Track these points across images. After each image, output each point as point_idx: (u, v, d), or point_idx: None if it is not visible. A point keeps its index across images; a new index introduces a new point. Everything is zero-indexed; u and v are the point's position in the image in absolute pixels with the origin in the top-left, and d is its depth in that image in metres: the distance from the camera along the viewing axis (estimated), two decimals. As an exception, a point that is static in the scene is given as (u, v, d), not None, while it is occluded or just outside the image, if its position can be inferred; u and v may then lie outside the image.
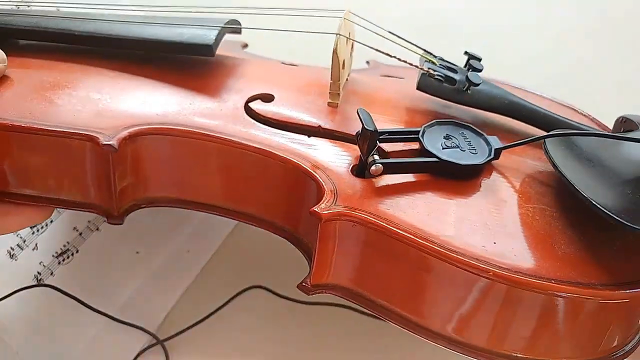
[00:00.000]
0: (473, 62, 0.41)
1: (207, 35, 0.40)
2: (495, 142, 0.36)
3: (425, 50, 0.42)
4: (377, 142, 0.33)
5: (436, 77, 0.40)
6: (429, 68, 0.40)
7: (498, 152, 0.35)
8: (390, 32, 0.41)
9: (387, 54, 0.40)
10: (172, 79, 0.40)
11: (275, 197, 0.36)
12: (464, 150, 0.35)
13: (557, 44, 0.70)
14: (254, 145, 0.35)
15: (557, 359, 0.31)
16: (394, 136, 0.35)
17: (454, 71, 0.41)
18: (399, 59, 0.40)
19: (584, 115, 0.44)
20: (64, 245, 0.47)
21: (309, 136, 0.37)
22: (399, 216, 0.31)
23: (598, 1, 0.74)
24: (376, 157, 0.33)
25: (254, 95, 0.40)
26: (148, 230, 0.49)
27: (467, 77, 0.40)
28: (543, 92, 0.47)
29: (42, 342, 0.43)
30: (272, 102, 0.40)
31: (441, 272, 0.30)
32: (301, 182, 0.34)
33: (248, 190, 0.37)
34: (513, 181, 0.35)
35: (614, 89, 0.65)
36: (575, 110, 0.45)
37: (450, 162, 0.34)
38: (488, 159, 0.35)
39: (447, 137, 0.35)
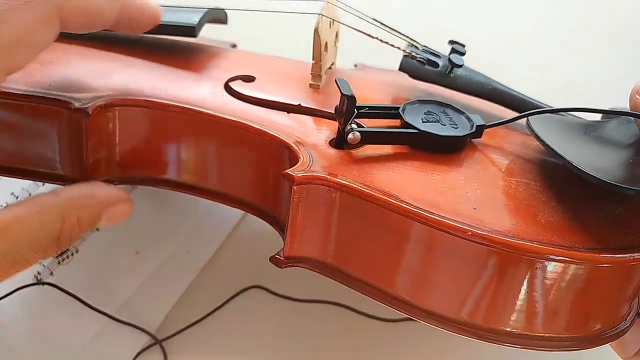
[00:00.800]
0: (456, 46, 0.41)
1: (191, 17, 0.43)
2: (478, 120, 0.35)
3: (410, 38, 0.42)
4: (355, 109, 0.33)
5: (418, 59, 0.40)
6: (410, 51, 0.40)
7: (480, 129, 0.35)
8: (375, 20, 0.41)
9: (369, 35, 0.40)
10: (156, 59, 0.41)
11: (252, 173, 0.36)
12: (445, 125, 0.34)
13: (558, 48, 0.70)
14: (230, 117, 0.35)
15: (541, 333, 0.30)
16: (374, 111, 0.35)
17: (437, 56, 0.41)
18: (380, 40, 0.40)
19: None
20: (64, 245, 0.47)
21: (288, 112, 0.37)
22: (375, 182, 0.30)
23: (600, 5, 0.74)
24: (354, 126, 0.33)
25: (235, 76, 0.40)
26: (148, 230, 0.49)
27: (449, 59, 0.40)
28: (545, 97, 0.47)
29: (42, 342, 0.43)
30: (253, 83, 0.40)
31: (419, 236, 0.29)
32: (278, 155, 0.33)
33: (224, 168, 0.36)
34: (496, 158, 0.35)
35: (615, 93, 0.65)
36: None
37: (429, 132, 0.33)
38: (469, 132, 0.34)
39: (428, 113, 0.35)
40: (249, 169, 0.36)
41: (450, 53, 0.41)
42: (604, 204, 0.31)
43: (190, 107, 0.35)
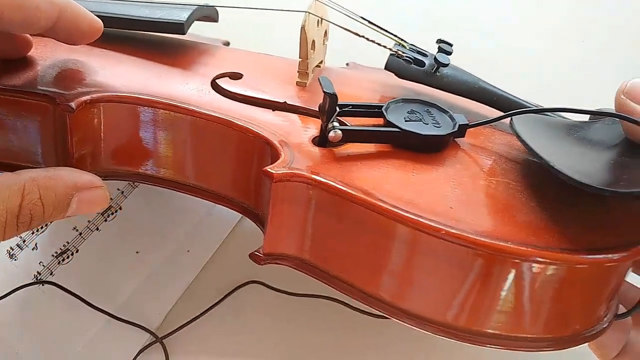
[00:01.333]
0: (443, 45, 0.41)
1: (180, 15, 0.43)
2: (461, 119, 0.35)
3: (398, 37, 0.42)
4: (337, 107, 0.33)
5: (405, 58, 0.40)
6: (397, 49, 0.40)
7: (463, 128, 0.35)
8: (363, 18, 0.41)
9: (356, 33, 0.40)
10: (143, 56, 0.41)
11: (235, 170, 0.36)
12: (427, 124, 0.34)
13: (551, 44, 0.70)
14: (214, 114, 0.35)
15: (518, 333, 0.30)
16: (357, 109, 0.35)
17: (424, 55, 0.41)
18: (367, 39, 0.40)
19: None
20: (64, 245, 0.47)
21: (273, 110, 0.37)
22: (354, 180, 0.30)
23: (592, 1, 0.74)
24: (336, 124, 0.33)
25: (222, 73, 0.40)
26: (148, 230, 0.49)
27: (435, 58, 0.40)
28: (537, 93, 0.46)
29: (42, 341, 0.43)
30: (240, 80, 0.40)
31: (394, 235, 0.29)
32: (260, 152, 0.34)
33: (208, 164, 0.37)
34: (478, 158, 0.35)
35: (608, 90, 0.66)
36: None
37: (411, 132, 0.33)
38: (451, 132, 0.34)
39: (411, 112, 0.35)
40: (232, 165, 0.36)
41: (437, 52, 0.41)
42: (584, 205, 0.31)
43: (175, 103, 0.35)
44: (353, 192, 0.29)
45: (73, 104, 0.33)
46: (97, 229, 0.49)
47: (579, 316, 0.30)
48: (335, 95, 0.32)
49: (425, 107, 0.36)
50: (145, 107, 0.35)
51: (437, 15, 0.71)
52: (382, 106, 0.35)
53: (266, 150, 0.33)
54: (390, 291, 0.31)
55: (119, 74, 0.39)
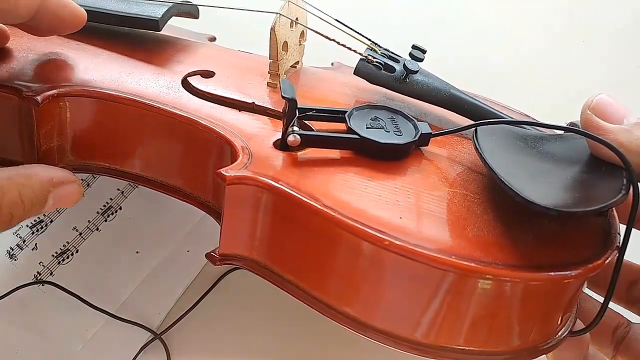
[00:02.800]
0: (415, 52, 0.40)
1: (156, 11, 0.43)
2: (425, 127, 0.35)
3: (372, 41, 0.42)
4: (297, 112, 0.33)
5: (375, 63, 0.39)
6: (368, 54, 0.40)
7: (425, 137, 0.34)
8: (337, 20, 0.41)
9: (326, 37, 0.39)
10: (119, 51, 0.41)
11: (198, 168, 0.36)
12: (389, 132, 0.34)
13: (551, 44, 0.70)
14: (178, 112, 0.35)
15: (467, 347, 0.29)
16: (320, 114, 0.35)
17: (396, 61, 0.40)
18: (337, 42, 0.39)
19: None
20: (64, 245, 0.47)
21: (240, 110, 0.37)
22: (307, 186, 0.30)
23: (590, 5, 0.74)
24: (296, 128, 0.33)
25: (194, 71, 0.40)
26: (148, 230, 0.49)
27: (404, 64, 0.39)
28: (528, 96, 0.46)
29: (42, 341, 0.43)
30: (211, 79, 0.40)
31: (340, 242, 0.29)
32: (222, 152, 0.34)
33: (172, 161, 0.37)
34: (440, 167, 0.34)
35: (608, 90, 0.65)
36: (527, 116, 0.44)
37: (370, 139, 0.33)
38: (410, 141, 0.34)
39: (374, 119, 0.35)
40: (195, 163, 0.36)
41: (408, 59, 0.40)
42: (540, 221, 0.30)
43: (140, 100, 0.36)
44: (301, 197, 0.29)
45: (39, 98, 0.34)
46: (97, 229, 0.49)
47: (534, 329, 0.30)
48: (294, 100, 0.32)
49: (390, 115, 0.36)
50: (111, 103, 0.36)
51: (436, 15, 0.71)
52: (346, 112, 0.35)
53: (227, 150, 0.33)
54: (337, 297, 0.30)
55: (91, 68, 0.39)
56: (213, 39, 0.51)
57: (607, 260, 0.29)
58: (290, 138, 0.32)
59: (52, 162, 0.37)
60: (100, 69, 0.39)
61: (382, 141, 0.33)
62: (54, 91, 0.35)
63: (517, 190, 0.28)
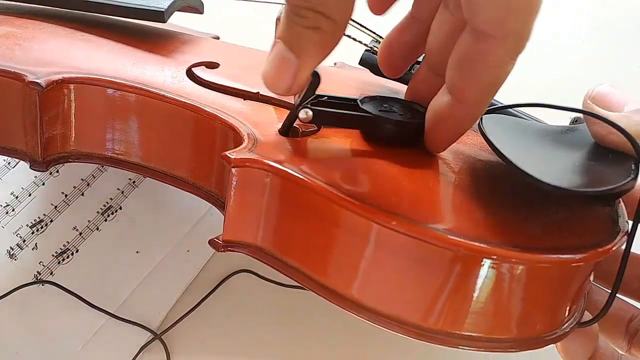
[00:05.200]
0: None
1: (161, 2, 0.43)
2: None
3: (377, 34, 0.42)
4: (315, 91, 0.32)
5: None
6: (373, 46, 0.40)
7: None
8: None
9: None
10: (124, 42, 0.42)
11: (202, 156, 0.36)
12: (401, 115, 0.34)
13: (551, 44, 0.70)
14: (182, 99, 0.35)
15: (475, 333, 0.29)
16: (333, 100, 0.34)
17: None
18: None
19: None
20: (64, 245, 0.47)
21: (244, 99, 0.37)
22: (313, 169, 0.29)
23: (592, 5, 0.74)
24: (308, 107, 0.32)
25: (198, 62, 0.40)
26: (148, 230, 0.49)
27: None
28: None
29: (42, 341, 0.43)
30: (216, 70, 0.40)
31: (349, 226, 0.28)
32: (226, 139, 0.33)
33: (176, 150, 0.37)
34: (446, 156, 0.34)
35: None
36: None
37: (383, 117, 0.33)
38: (421, 121, 0.33)
39: (386, 106, 0.34)
40: (199, 151, 0.36)
41: None
42: (548, 206, 0.30)
43: (145, 87, 0.35)
44: (306, 179, 0.28)
45: (42, 82, 0.34)
46: (97, 228, 0.49)
47: (541, 317, 0.30)
48: (319, 76, 0.31)
49: (400, 103, 0.35)
50: (115, 90, 0.36)
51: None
52: (357, 99, 0.34)
53: (231, 137, 0.33)
54: (343, 282, 0.30)
55: (96, 57, 0.39)
56: (217, 39, 0.51)
57: (616, 246, 0.29)
58: (302, 114, 0.31)
59: (55, 150, 0.37)
60: (105, 58, 0.39)
61: (395, 118, 0.33)
62: (59, 76, 0.35)
63: (527, 170, 0.27)
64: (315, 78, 0.31)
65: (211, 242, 0.32)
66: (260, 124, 0.34)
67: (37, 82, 0.34)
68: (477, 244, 0.26)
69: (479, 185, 0.31)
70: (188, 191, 0.37)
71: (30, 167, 0.37)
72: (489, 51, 0.27)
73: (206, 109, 0.34)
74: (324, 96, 0.34)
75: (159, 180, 0.38)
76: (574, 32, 0.71)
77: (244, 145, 0.31)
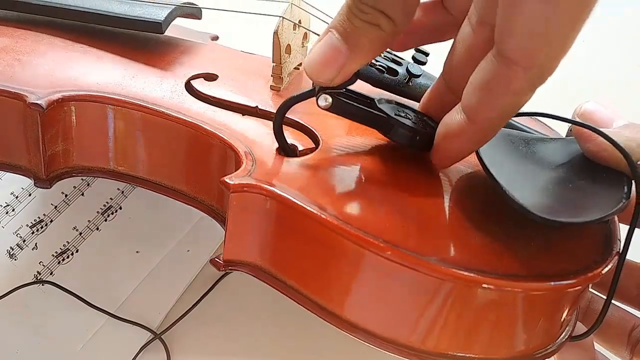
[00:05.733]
0: (417, 55, 0.40)
1: (159, 13, 0.43)
2: None
3: None
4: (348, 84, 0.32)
5: (378, 67, 0.39)
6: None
7: None
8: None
9: None
10: (123, 53, 0.42)
11: (204, 172, 0.36)
12: (414, 123, 0.33)
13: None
14: (183, 117, 0.35)
15: (465, 353, 0.29)
16: (351, 94, 0.33)
17: (399, 64, 0.40)
18: None
19: (543, 124, 0.43)
20: (64, 245, 0.47)
21: (243, 115, 0.37)
22: (311, 194, 0.30)
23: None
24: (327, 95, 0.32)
25: (197, 74, 0.41)
26: (148, 230, 0.49)
27: (407, 69, 0.39)
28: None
29: (42, 341, 0.43)
30: (214, 82, 0.40)
31: (343, 251, 0.28)
32: (225, 156, 0.34)
33: (178, 165, 0.37)
34: (446, 173, 0.34)
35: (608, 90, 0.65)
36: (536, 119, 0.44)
37: (398, 120, 0.32)
38: (431, 133, 0.33)
39: (401, 111, 0.34)
40: (199, 167, 0.36)
41: (411, 62, 0.40)
42: (541, 228, 0.30)
43: (145, 104, 0.36)
44: (304, 206, 0.29)
45: (43, 104, 0.34)
46: (97, 228, 0.49)
47: (534, 337, 0.30)
48: (357, 75, 0.31)
49: (415, 113, 0.35)
50: (116, 107, 0.36)
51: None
52: (374, 99, 0.34)
53: (231, 155, 0.33)
54: (339, 304, 0.30)
55: (95, 71, 0.39)
56: (216, 38, 0.51)
57: (607, 268, 0.29)
58: (322, 100, 0.31)
59: (58, 166, 0.37)
60: (104, 73, 0.39)
61: (409, 124, 0.32)
62: (59, 95, 0.35)
63: (519, 201, 0.28)
64: (354, 77, 0.31)
65: (212, 262, 0.33)
66: (260, 142, 0.34)
67: (38, 104, 0.34)
68: (471, 274, 0.27)
69: (474, 208, 0.31)
70: (189, 204, 0.38)
71: (34, 185, 0.37)
72: (512, 78, 0.26)
73: (205, 127, 0.35)
74: (342, 87, 0.33)
75: (160, 194, 0.38)
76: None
77: (242, 167, 0.31)
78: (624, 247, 0.30)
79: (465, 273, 0.27)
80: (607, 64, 0.68)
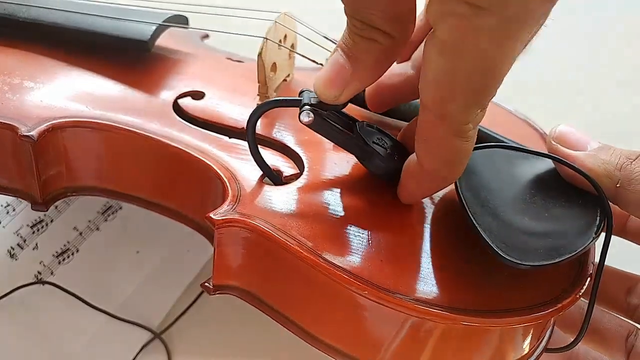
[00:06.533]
0: None
1: (145, 31, 0.42)
2: None
3: None
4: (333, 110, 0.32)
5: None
6: None
7: None
8: (325, 38, 0.41)
9: (314, 61, 0.40)
10: (111, 73, 0.41)
11: (192, 194, 0.37)
12: (389, 153, 0.33)
13: (551, 44, 0.70)
14: (171, 143, 0.36)
15: None
16: (334, 113, 0.33)
17: None
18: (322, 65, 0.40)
19: (536, 130, 0.43)
20: (64, 245, 0.47)
21: (229, 137, 0.37)
22: (293, 228, 0.31)
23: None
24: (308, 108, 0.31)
25: (184, 93, 0.41)
26: (148, 230, 0.49)
27: None
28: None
29: (42, 341, 0.43)
30: (202, 100, 0.40)
31: (321, 284, 0.30)
32: (213, 182, 0.34)
33: (167, 186, 0.38)
34: (424, 203, 0.35)
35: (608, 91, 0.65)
36: (528, 123, 0.44)
37: (375, 150, 0.33)
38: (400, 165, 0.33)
39: (380, 139, 0.34)
40: (189, 190, 0.37)
41: None
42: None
43: (134, 129, 0.36)
44: (287, 242, 0.30)
45: (34, 135, 0.34)
46: (98, 228, 0.49)
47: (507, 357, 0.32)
48: (347, 102, 0.31)
49: (393, 142, 0.35)
50: (105, 132, 0.36)
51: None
52: (357, 121, 0.34)
53: (217, 182, 0.34)
54: (321, 329, 0.32)
55: (84, 96, 0.39)
56: (206, 37, 0.51)
57: (579, 294, 0.30)
58: (304, 116, 0.31)
59: (53, 189, 0.38)
60: (92, 97, 0.39)
61: (383, 154, 0.33)
62: (49, 124, 0.35)
63: (491, 243, 0.29)
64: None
65: (203, 286, 0.34)
66: (244, 168, 0.35)
67: (29, 136, 0.34)
68: (443, 312, 0.28)
69: (447, 237, 0.32)
70: (181, 222, 0.38)
71: (32, 209, 0.38)
72: (434, 126, 0.27)
73: (193, 154, 0.35)
74: (328, 105, 0.33)
75: (152, 211, 0.39)
76: (570, 32, 0.71)
77: (227, 201, 0.32)
78: (598, 268, 0.31)
79: (437, 311, 0.28)
80: (606, 65, 0.68)
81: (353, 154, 0.34)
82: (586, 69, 0.68)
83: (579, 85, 0.66)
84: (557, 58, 0.68)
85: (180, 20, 0.46)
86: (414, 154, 0.30)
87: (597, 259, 0.31)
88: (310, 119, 0.31)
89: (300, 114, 0.31)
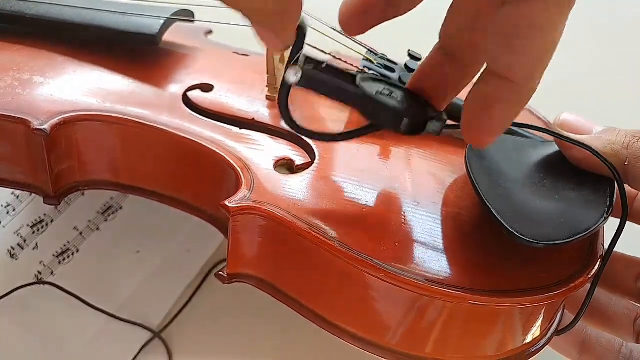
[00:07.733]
0: (410, 62, 0.40)
1: (153, 25, 0.42)
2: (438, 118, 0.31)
3: (369, 49, 0.42)
4: (303, 43, 0.28)
5: (370, 75, 0.38)
6: (364, 67, 0.40)
7: (439, 118, 0.30)
8: (333, 29, 0.40)
9: (322, 51, 0.39)
10: (119, 67, 0.42)
11: (205, 185, 0.37)
12: (402, 103, 0.30)
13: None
14: (182, 135, 0.36)
15: (454, 354, 0.31)
16: (331, 70, 0.30)
17: (392, 70, 0.40)
18: (333, 57, 0.40)
19: (539, 119, 0.43)
20: (64, 245, 0.47)
21: (240, 128, 0.38)
22: (308, 214, 0.31)
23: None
24: (298, 68, 0.28)
25: (193, 85, 0.41)
26: (148, 230, 0.49)
27: (399, 77, 0.39)
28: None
29: (42, 341, 0.43)
30: (211, 92, 0.41)
31: (339, 269, 0.30)
32: (226, 172, 0.34)
33: (180, 178, 0.38)
34: (438, 178, 0.35)
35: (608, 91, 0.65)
36: (531, 111, 0.44)
37: (380, 102, 0.29)
38: (430, 116, 0.30)
39: (387, 90, 0.30)
40: (201, 181, 0.37)
41: (402, 70, 0.40)
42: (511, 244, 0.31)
43: (145, 122, 0.36)
44: (301, 227, 0.30)
45: (47, 129, 0.35)
46: (98, 228, 0.49)
47: (520, 339, 0.32)
48: (303, 28, 0.28)
49: (403, 91, 0.31)
50: (117, 125, 0.36)
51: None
52: (357, 74, 0.30)
53: (230, 172, 0.34)
54: (336, 314, 0.32)
55: (94, 90, 0.39)
56: (209, 32, 0.51)
57: (590, 275, 0.30)
58: (291, 76, 0.28)
59: (65, 182, 0.38)
60: (102, 91, 0.39)
61: (391, 104, 0.29)
62: (61, 118, 0.36)
63: (505, 224, 0.29)
64: (300, 31, 0.28)
65: (217, 276, 0.34)
66: (256, 157, 0.35)
67: (42, 129, 0.35)
68: (457, 292, 0.28)
69: (462, 219, 0.32)
70: (192, 214, 0.38)
71: (44, 202, 0.38)
72: (537, 13, 0.25)
73: (205, 145, 0.35)
74: (323, 63, 0.30)
75: (165, 204, 0.39)
76: (573, 30, 0.71)
77: (241, 190, 0.32)
78: (609, 247, 0.31)
79: (454, 292, 0.28)
80: (606, 65, 0.68)
81: (360, 112, 0.31)
82: (592, 62, 0.68)
83: (583, 78, 0.66)
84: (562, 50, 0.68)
85: (187, 14, 0.46)
86: (480, 84, 0.27)
87: (606, 244, 0.32)
88: (298, 76, 0.28)
89: (286, 76, 0.28)
